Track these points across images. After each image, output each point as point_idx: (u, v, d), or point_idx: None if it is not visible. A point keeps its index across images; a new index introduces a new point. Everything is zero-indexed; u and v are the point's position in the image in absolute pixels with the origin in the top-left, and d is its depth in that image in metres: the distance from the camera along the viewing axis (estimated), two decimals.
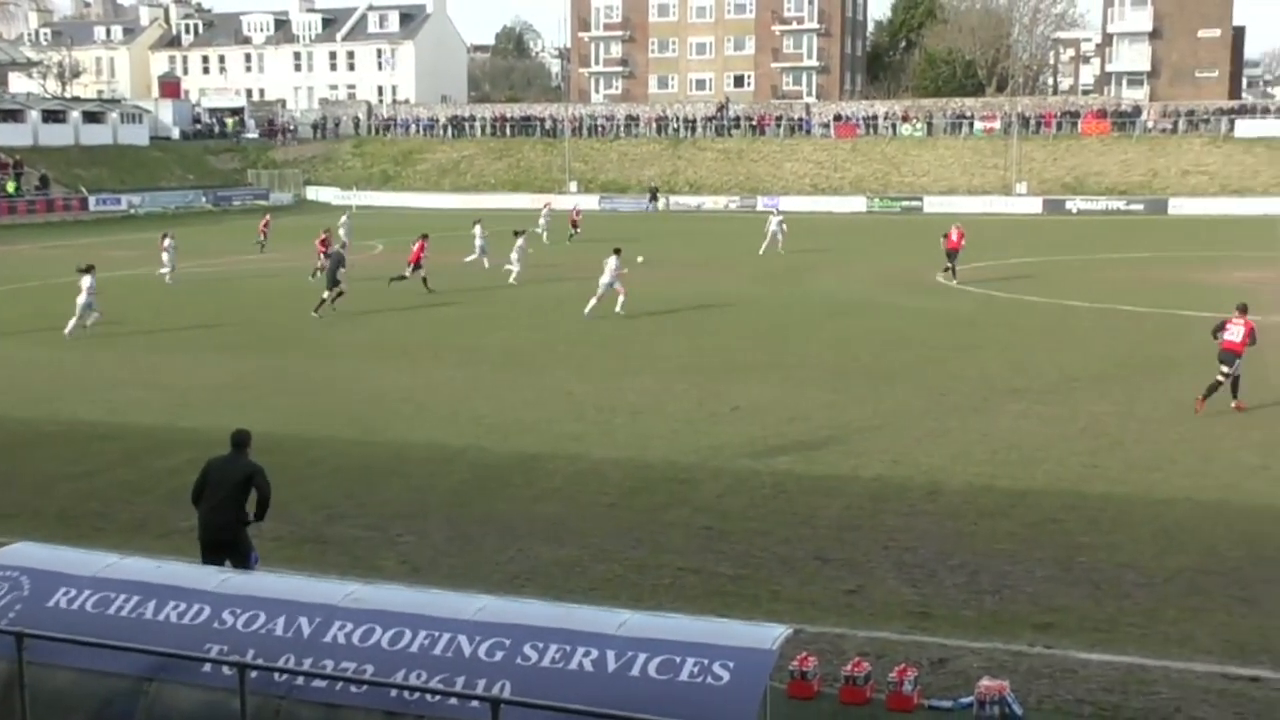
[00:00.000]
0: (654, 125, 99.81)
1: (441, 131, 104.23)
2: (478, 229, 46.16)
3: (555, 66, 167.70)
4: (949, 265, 42.31)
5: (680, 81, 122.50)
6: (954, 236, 42.69)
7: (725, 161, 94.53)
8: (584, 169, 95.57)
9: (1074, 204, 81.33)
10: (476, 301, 38.30)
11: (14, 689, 8.74)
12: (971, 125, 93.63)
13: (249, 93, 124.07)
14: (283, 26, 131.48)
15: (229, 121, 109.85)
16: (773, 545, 15.41)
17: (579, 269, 42.13)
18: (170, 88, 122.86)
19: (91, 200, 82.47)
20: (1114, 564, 14.58)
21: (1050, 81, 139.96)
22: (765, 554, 15.11)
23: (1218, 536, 15.55)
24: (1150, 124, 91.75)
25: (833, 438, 20.79)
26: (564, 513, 16.83)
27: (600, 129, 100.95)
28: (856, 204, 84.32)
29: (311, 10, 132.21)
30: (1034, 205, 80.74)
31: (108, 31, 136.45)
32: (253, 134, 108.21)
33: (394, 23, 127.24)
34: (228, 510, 12.42)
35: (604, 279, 34.01)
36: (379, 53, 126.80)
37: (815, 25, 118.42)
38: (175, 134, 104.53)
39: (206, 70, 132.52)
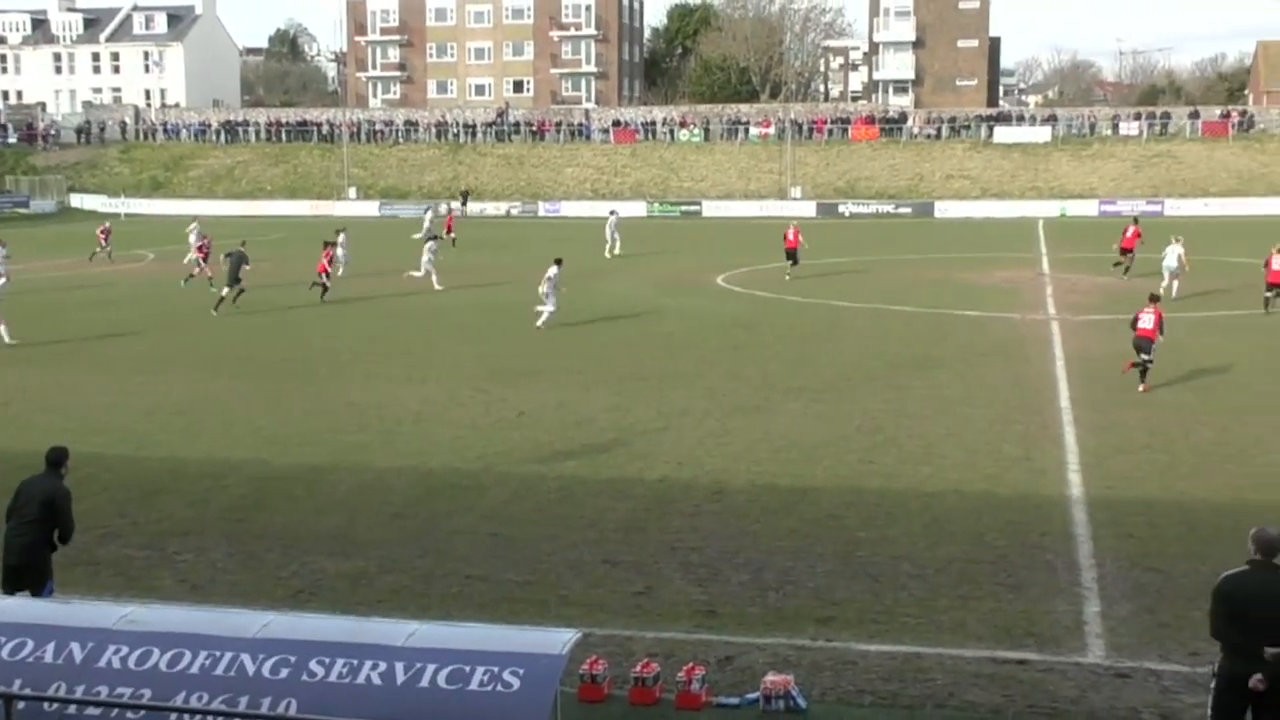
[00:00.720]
0: (434, 131, 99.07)
1: (214, 136, 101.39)
2: (341, 237, 45.51)
3: (332, 70, 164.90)
4: (793, 263, 43.96)
5: (460, 87, 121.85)
6: (791, 235, 44.52)
7: (506, 167, 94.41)
8: (363, 175, 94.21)
9: (846, 207, 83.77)
10: (275, 311, 37.35)
11: None
12: (747, 131, 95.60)
13: (4, 95, 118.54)
14: (41, 26, 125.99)
15: None
16: (560, 550, 15.48)
17: (392, 277, 41.55)
18: None
19: None
20: (890, 556, 15.09)
21: (821, 88, 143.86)
22: (553, 559, 15.17)
23: (985, 526, 16.24)
24: (916, 130, 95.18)
25: (618, 440, 20.99)
26: (348, 524, 16.58)
27: (379, 134, 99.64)
28: (637, 209, 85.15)
29: (72, 10, 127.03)
30: (808, 209, 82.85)
31: None
32: (11, 139, 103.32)
33: (161, 24, 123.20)
34: (29, 533, 11.72)
35: (542, 288, 33.35)
36: (146, 55, 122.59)
37: (593, 31, 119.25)
38: None
39: None
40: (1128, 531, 15.92)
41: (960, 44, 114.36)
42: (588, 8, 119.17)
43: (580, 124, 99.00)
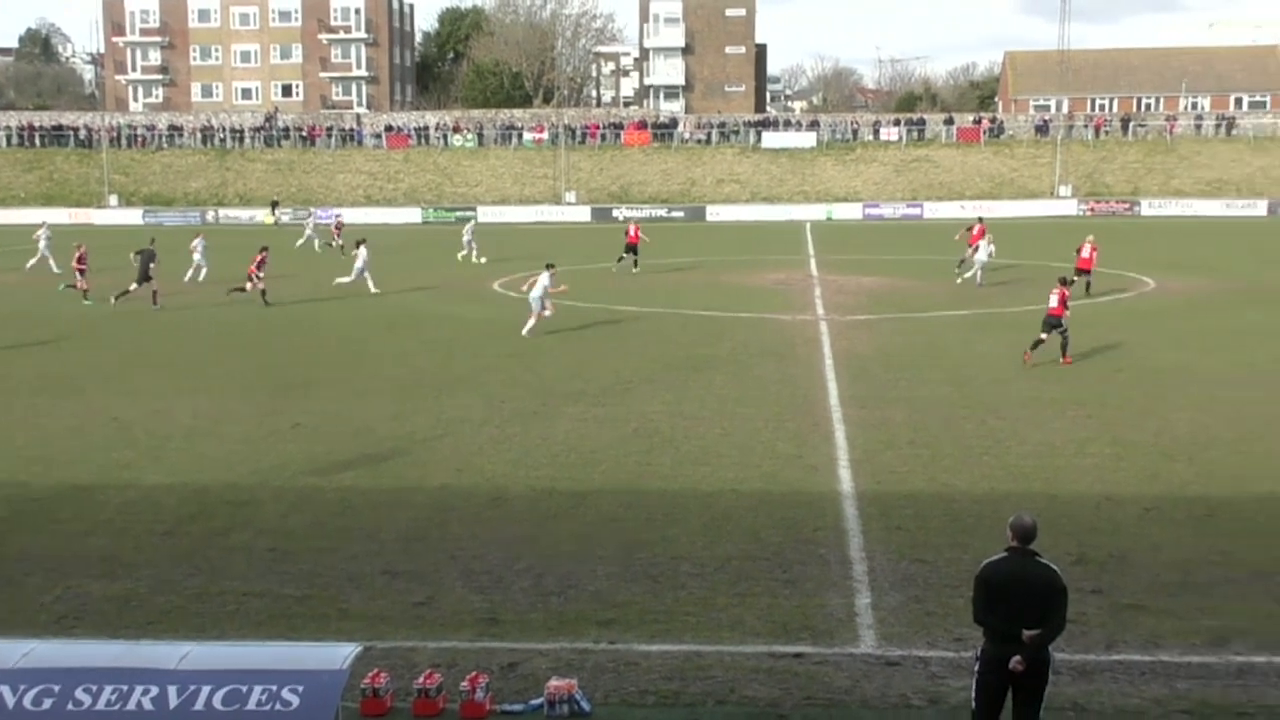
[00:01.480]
0: (199, 135, 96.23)
1: None
2: (198, 242, 45.75)
3: (89, 73, 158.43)
4: (630, 257, 47.49)
5: (225, 90, 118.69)
6: (632, 231, 48.05)
7: (276, 173, 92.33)
8: (125, 181, 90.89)
9: (620, 212, 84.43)
10: (41, 324, 35.65)
11: None
12: (521, 136, 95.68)
13: None
14: None
15: None
16: (339, 562, 15.25)
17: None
18: None
19: None
20: (670, 557, 15.31)
21: (594, 94, 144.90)
22: (332, 572, 14.92)
23: (760, 523, 16.62)
24: (687, 135, 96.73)
25: (397, 450, 20.76)
26: (116, 545, 15.99)
27: (141, 139, 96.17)
28: (412, 215, 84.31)
29: None
30: (583, 214, 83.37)
31: None
32: None
33: None
34: None
35: (534, 294, 32.86)
36: None
37: (363, 35, 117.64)
38: None
39: None
40: (896, 524, 16.50)
41: (728, 51, 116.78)
42: (357, 11, 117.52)
43: (352, 129, 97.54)
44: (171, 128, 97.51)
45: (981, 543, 13.89)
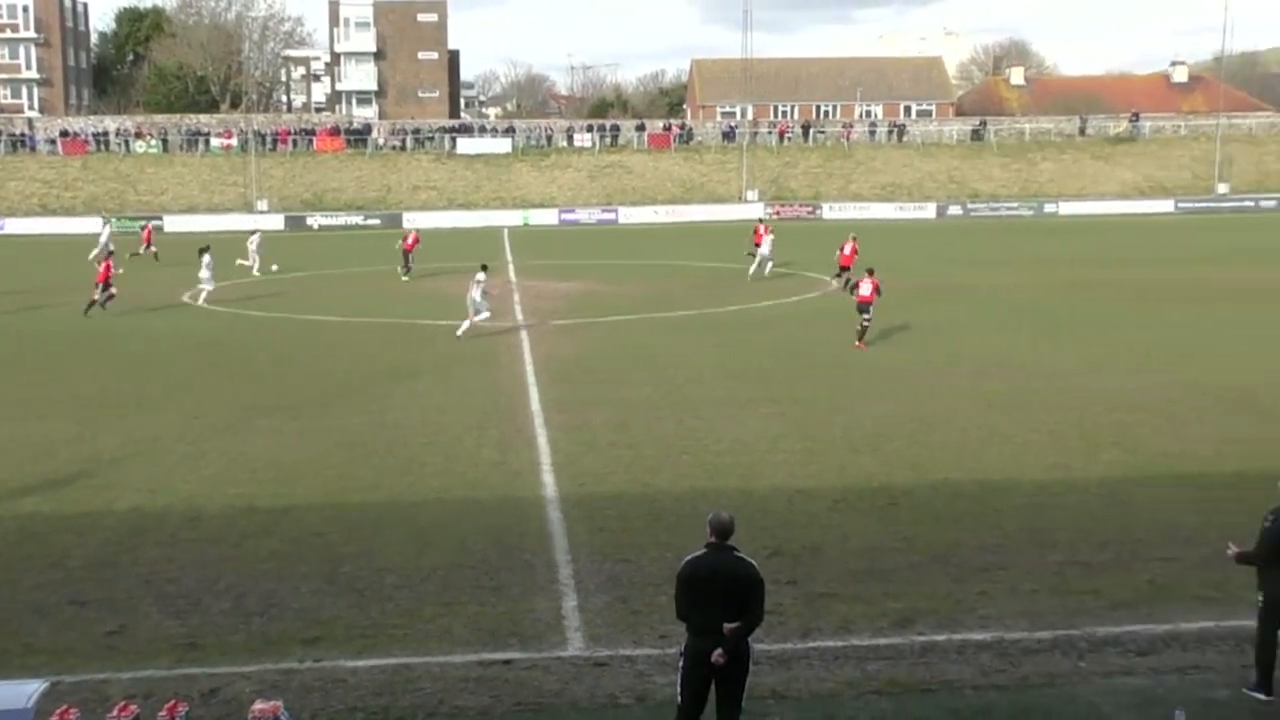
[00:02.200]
0: None
1: None
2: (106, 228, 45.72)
3: None
4: (407, 266, 48.11)
5: None
6: (410, 240, 49.28)
7: None
8: None
9: (315, 220, 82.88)
10: None
11: None
12: (208, 142, 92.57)
13: None
14: None
15: None
16: (22, 594, 14.42)
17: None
18: None
19: None
20: (375, 570, 15.12)
21: (284, 99, 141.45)
22: (14, 604, 14.10)
23: (466, 532, 16.60)
24: (381, 141, 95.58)
25: (83, 472, 19.78)
26: None
27: None
28: (91, 224, 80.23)
29: None
30: (277, 221, 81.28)
31: None
32: None
33: None
34: None
35: (474, 294, 33.19)
36: None
37: (32, 34, 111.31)
38: None
39: None
40: (599, 526, 16.75)
41: (421, 56, 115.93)
42: (25, 9, 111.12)
43: (23, 134, 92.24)
44: None
45: (683, 540, 14.24)
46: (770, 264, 46.20)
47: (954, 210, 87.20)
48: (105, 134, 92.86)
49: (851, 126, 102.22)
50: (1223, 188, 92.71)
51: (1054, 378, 26.61)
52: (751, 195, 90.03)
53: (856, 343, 30.85)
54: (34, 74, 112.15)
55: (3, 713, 7.70)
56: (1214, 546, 15.22)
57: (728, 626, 9.68)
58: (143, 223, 66.31)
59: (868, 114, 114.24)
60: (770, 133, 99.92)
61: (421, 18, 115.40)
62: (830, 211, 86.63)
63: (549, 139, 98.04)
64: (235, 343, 33.08)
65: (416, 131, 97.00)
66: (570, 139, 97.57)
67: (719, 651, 9.68)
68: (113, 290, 38.87)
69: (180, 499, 18.24)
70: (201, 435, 22.27)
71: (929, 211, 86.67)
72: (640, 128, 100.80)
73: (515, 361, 29.75)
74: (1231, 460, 19.46)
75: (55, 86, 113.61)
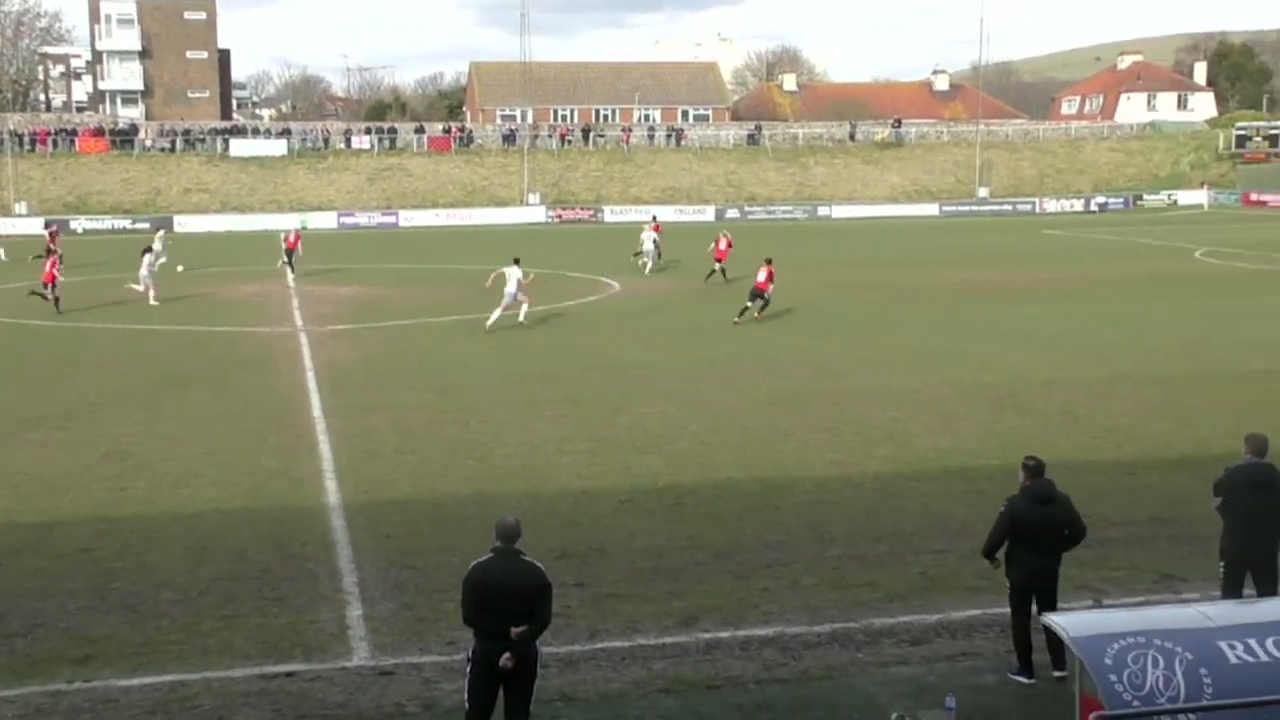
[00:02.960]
0: None
1: None
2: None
3: None
4: (287, 263, 48.87)
5: None
6: (291, 239, 49.19)
7: None
8: None
9: (79, 223, 79.64)
10: None
11: None
12: None
13: None
14: None
15: None
16: None
17: None
18: None
19: None
20: (150, 584, 14.59)
21: (42, 97, 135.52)
22: None
23: (246, 542, 16.16)
24: (149, 143, 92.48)
25: None
26: None
27: None
28: None
29: None
30: (35, 225, 77.67)
31: None
32: None
33: None
34: None
35: (509, 288, 33.97)
36: None
37: None
38: None
39: None
40: (385, 532, 16.51)
41: (189, 55, 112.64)
42: None
43: None
44: None
45: (469, 545, 14.14)
46: (649, 263, 49.69)
47: (732, 213, 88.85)
48: None
49: (630, 130, 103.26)
50: (983, 192, 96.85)
51: (832, 376, 27.34)
52: (533, 198, 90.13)
53: (738, 317, 34.89)
54: None
55: None
56: (982, 538, 15.89)
57: (515, 630, 9.66)
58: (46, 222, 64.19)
59: (646, 118, 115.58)
60: (551, 136, 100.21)
61: (189, 15, 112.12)
62: (612, 215, 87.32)
63: (326, 141, 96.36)
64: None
65: (187, 133, 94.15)
66: (348, 141, 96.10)
67: (507, 656, 9.66)
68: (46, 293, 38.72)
69: None
70: None
71: (708, 214, 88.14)
72: (419, 130, 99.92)
73: (295, 367, 29.11)
74: (996, 454, 20.29)
75: None
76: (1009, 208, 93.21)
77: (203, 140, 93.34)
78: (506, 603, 9.67)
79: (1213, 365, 27.94)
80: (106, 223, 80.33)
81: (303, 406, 24.68)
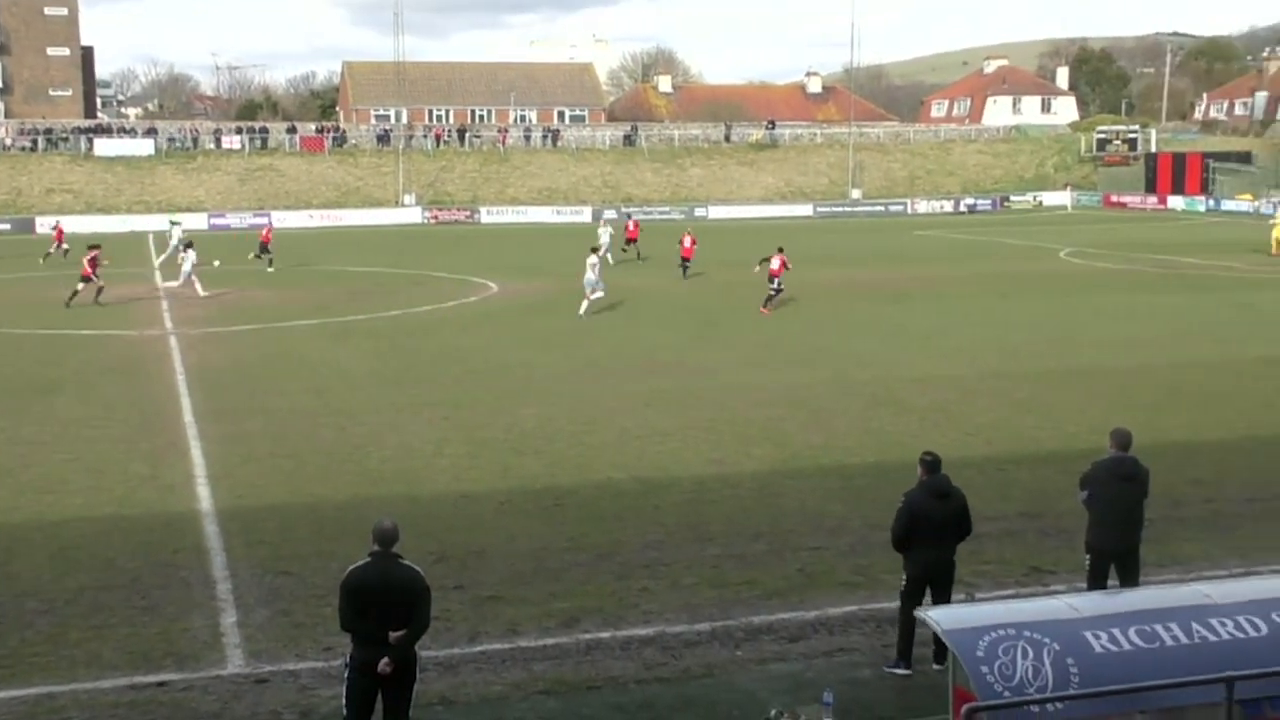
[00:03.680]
0: None
1: None
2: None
3: None
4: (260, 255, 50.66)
5: None
6: (265, 234, 52.26)
7: None
8: None
9: None
10: None
11: None
12: None
13: None
14: None
15: None
16: None
17: None
18: None
19: None
20: (13, 595, 14.19)
21: None
22: None
23: (115, 550, 15.79)
24: (9, 142, 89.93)
25: None
26: None
27: None
28: None
29: None
30: None
31: None
32: None
33: None
34: None
35: (588, 277, 36.83)
36: None
37: None
38: None
39: None
40: (259, 538, 16.25)
41: (50, 52, 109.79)
42: None
43: None
44: None
45: (347, 549, 13.99)
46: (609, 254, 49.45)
47: (609, 214, 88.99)
48: None
49: (507, 131, 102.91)
50: (856, 193, 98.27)
51: (709, 375, 27.53)
52: (409, 199, 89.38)
53: (762, 308, 36.76)
54: None
55: None
56: (858, 534, 16.16)
57: (394, 635, 9.58)
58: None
59: (522, 119, 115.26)
60: (426, 137, 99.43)
61: (49, 11, 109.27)
62: (489, 216, 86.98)
63: (195, 141, 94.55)
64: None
65: (49, 131, 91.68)
66: (218, 141, 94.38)
67: (385, 660, 9.58)
68: (79, 287, 39.89)
69: None
70: None
71: (585, 215, 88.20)
72: (292, 130, 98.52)
73: (166, 371, 28.52)
74: (872, 451, 20.62)
75: None
76: (881, 209, 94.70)
77: (66, 139, 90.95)
78: (385, 607, 9.59)
79: (1077, 362, 28.69)
80: None
81: (173, 411, 24.19)
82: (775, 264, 37.59)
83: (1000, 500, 17.38)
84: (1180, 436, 21.29)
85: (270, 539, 16.26)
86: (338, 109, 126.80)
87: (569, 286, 44.37)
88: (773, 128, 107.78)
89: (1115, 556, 12.49)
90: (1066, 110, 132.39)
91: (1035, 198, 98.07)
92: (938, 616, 8.84)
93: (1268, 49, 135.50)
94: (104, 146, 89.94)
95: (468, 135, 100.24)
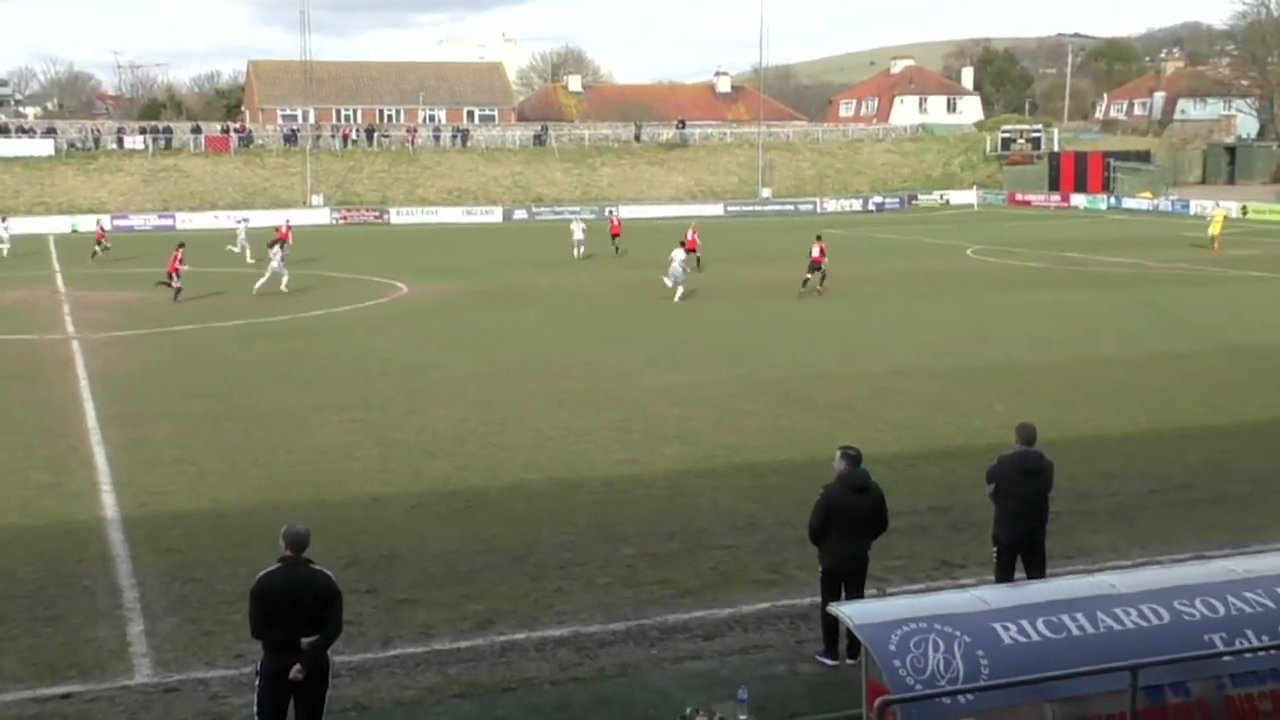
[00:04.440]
0: None
1: None
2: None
3: None
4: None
5: None
6: (101, 236, 52.19)
7: None
8: None
9: None
10: None
11: None
12: None
13: None
14: None
15: None
16: None
17: None
18: None
19: None
20: None
21: None
22: None
23: (16, 560, 15.45)
24: None
25: None
26: None
27: None
28: None
29: None
30: None
31: None
32: None
33: None
34: None
35: (675, 269, 39.52)
36: None
37: None
38: None
39: None
40: (166, 546, 15.99)
41: None
42: None
43: None
44: None
45: (256, 555, 13.80)
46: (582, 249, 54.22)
47: (520, 214, 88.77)
48: None
49: (416, 131, 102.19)
50: (766, 192, 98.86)
51: (620, 376, 27.55)
52: (317, 200, 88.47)
53: (802, 287, 40.87)
54: None
55: None
56: (770, 532, 16.25)
57: (305, 641, 9.48)
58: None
59: (431, 119, 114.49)
60: (334, 137, 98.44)
61: None
62: (398, 216, 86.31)
63: (97, 141, 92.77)
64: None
65: None
66: (120, 141, 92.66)
67: (297, 667, 9.47)
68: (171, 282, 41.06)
69: None
70: None
71: (496, 215, 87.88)
72: (196, 130, 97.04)
73: (67, 376, 27.96)
74: (783, 449, 20.76)
75: None
76: (791, 207, 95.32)
77: None
78: (296, 613, 9.48)
79: (985, 358, 29.11)
80: None
81: (76, 417, 23.73)
82: (815, 251, 41.19)
83: (910, 496, 17.56)
84: (1087, 430, 21.69)
85: (177, 546, 16.00)
86: (243, 108, 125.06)
87: (480, 287, 44.19)
88: (683, 127, 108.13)
89: (1021, 549, 12.69)
90: (972, 110, 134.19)
91: (942, 196, 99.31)
92: (850, 611, 8.92)
93: (1165, 50, 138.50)
94: (2, 147, 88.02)
95: (376, 135, 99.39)
